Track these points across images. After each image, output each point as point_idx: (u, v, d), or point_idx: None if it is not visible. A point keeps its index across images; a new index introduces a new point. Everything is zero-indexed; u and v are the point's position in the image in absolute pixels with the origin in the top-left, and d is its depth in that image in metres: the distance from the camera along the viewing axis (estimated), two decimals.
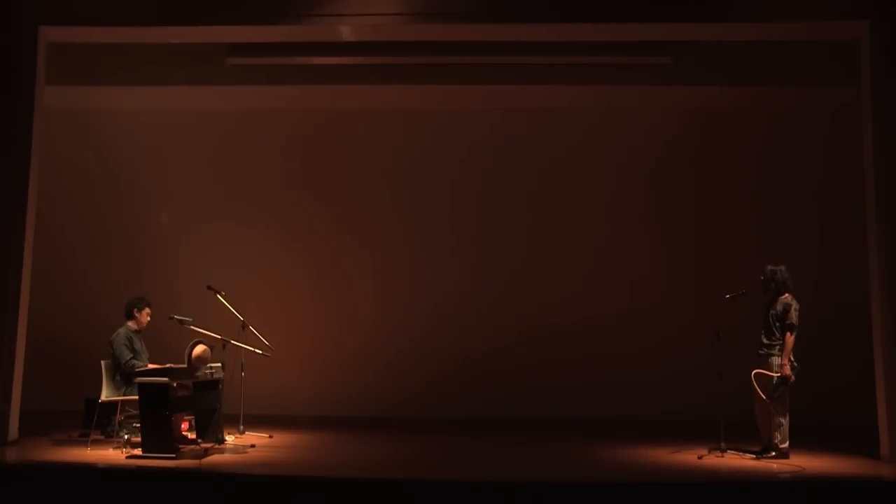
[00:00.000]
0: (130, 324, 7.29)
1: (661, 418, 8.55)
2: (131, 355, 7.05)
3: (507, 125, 9.59)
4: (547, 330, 9.25)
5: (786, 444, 6.53)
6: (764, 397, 6.52)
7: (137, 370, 6.75)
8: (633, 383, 8.98)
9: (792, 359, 6.54)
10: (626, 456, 6.68)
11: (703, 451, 6.60)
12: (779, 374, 6.52)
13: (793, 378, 6.51)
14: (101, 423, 6.96)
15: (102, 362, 7.11)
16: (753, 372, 6.59)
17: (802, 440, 6.73)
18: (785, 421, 6.56)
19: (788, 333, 6.56)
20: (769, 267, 6.82)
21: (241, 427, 7.35)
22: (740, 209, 9.37)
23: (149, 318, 7.35)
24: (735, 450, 6.63)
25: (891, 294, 6.68)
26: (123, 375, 7.01)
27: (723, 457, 6.50)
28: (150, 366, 6.89)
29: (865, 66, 7.01)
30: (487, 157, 9.62)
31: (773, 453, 6.52)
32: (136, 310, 7.30)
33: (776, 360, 6.57)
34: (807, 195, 9.28)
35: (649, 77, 8.81)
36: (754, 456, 6.55)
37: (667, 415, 8.59)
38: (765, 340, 6.70)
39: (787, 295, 6.71)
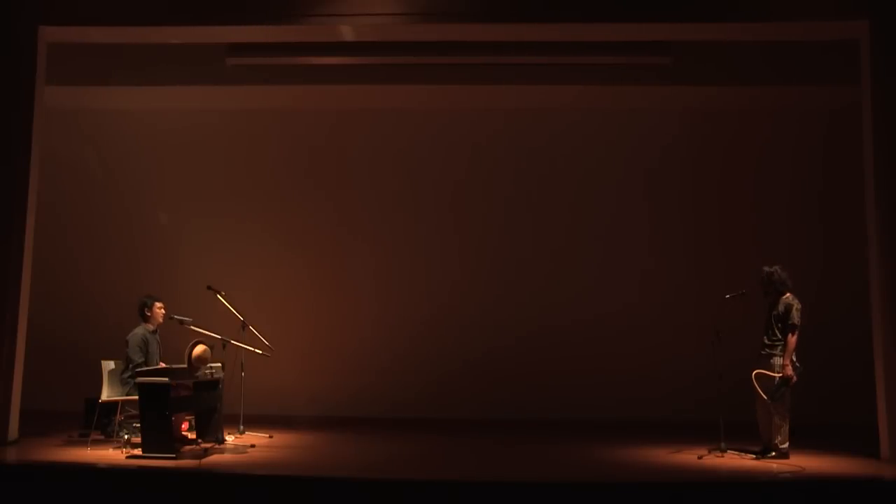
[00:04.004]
0: (147, 325, 7.29)
1: (661, 418, 8.55)
2: (142, 359, 7.05)
3: (509, 125, 9.59)
4: (548, 330, 9.25)
5: (786, 445, 6.52)
6: (765, 397, 6.51)
7: (139, 370, 6.75)
8: (633, 383, 8.98)
9: (794, 359, 6.53)
10: (626, 456, 6.68)
11: (703, 451, 6.61)
12: (780, 375, 6.51)
13: (795, 378, 6.50)
14: (101, 423, 6.96)
15: (102, 362, 7.11)
16: (754, 372, 6.58)
17: (802, 440, 6.73)
18: (785, 421, 6.56)
19: (790, 334, 6.54)
20: (765, 269, 6.79)
21: (241, 427, 7.35)
22: (741, 209, 9.37)
23: (162, 311, 7.34)
24: (735, 450, 6.63)
25: (891, 294, 6.68)
26: (132, 377, 6.99)
27: (723, 457, 6.50)
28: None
29: (865, 66, 7.01)
30: (489, 157, 9.62)
31: (773, 453, 6.51)
32: (146, 308, 7.31)
33: (778, 361, 6.56)
34: (807, 194, 9.28)
35: (650, 77, 8.82)
36: (754, 456, 6.55)
37: (667, 415, 8.59)
38: (766, 341, 6.69)
39: (788, 295, 6.70)
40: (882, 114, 6.84)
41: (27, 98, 7.18)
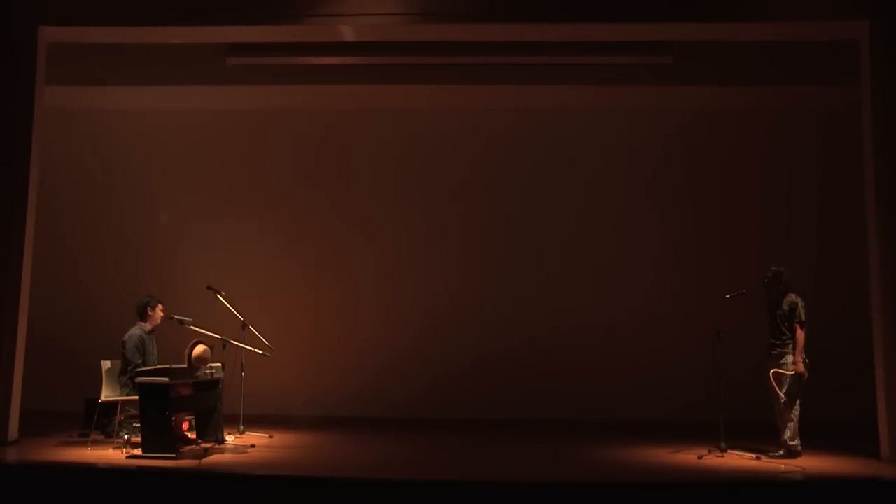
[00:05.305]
0: (144, 324, 7.28)
1: (661, 418, 8.56)
2: (140, 360, 7.03)
3: (509, 125, 9.59)
4: (547, 330, 9.24)
5: (795, 442, 6.53)
6: (782, 395, 6.50)
7: (138, 370, 6.74)
8: (633, 383, 8.98)
9: (803, 355, 6.55)
10: (626, 456, 6.68)
11: (703, 451, 6.61)
12: (793, 372, 6.52)
13: (806, 374, 6.50)
14: (101, 423, 6.96)
15: (102, 362, 7.11)
16: (771, 371, 6.57)
17: (803, 440, 6.71)
18: (794, 419, 6.55)
19: (800, 329, 6.57)
20: (773, 268, 6.81)
21: (241, 427, 7.35)
22: (741, 208, 9.36)
23: (162, 314, 7.33)
24: (735, 450, 6.63)
25: (891, 294, 6.69)
26: (131, 378, 6.99)
27: (723, 457, 6.51)
28: None
29: (865, 66, 7.01)
30: (488, 158, 9.61)
31: (781, 451, 6.53)
32: (149, 308, 7.28)
33: (791, 359, 6.57)
34: (807, 194, 9.28)
35: (650, 77, 8.82)
36: (754, 456, 6.55)
37: (667, 415, 8.60)
38: (774, 341, 6.69)
39: (791, 294, 6.70)
40: (882, 114, 6.84)
41: (27, 98, 7.18)
